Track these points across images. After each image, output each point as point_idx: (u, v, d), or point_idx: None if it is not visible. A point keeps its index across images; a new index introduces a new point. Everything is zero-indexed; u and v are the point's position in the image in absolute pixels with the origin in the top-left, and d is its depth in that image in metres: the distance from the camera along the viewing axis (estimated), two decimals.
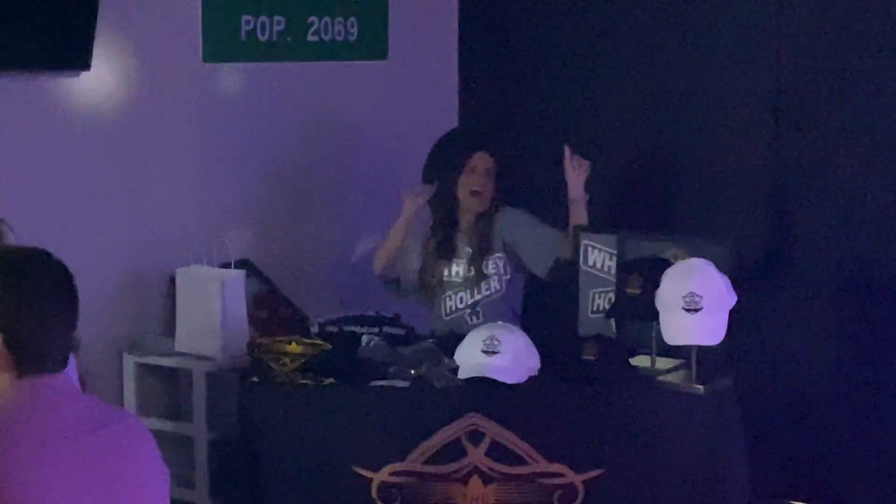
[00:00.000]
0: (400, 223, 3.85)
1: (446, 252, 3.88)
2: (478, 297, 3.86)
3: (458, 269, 3.88)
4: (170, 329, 3.88)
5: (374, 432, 3.21)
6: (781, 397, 4.06)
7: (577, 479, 3.09)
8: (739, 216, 4.22)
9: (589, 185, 3.77)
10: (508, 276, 3.86)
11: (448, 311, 3.89)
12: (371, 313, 3.65)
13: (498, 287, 3.86)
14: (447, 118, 4.84)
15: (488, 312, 3.80)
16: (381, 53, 4.74)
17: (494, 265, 3.85)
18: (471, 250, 3.87)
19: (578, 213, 3.72)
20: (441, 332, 3.81)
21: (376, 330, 3.54)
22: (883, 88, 3.99)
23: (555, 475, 3.10)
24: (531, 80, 4.80)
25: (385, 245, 3.92)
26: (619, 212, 4.08)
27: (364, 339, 3.48)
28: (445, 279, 3.89)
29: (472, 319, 3.81)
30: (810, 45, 4.12)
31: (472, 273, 3.85)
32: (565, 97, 4.66)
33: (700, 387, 3.12)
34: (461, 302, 3.87)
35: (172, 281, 3.87)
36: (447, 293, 3.89)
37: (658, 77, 4.50)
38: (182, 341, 3.77)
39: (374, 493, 3.13)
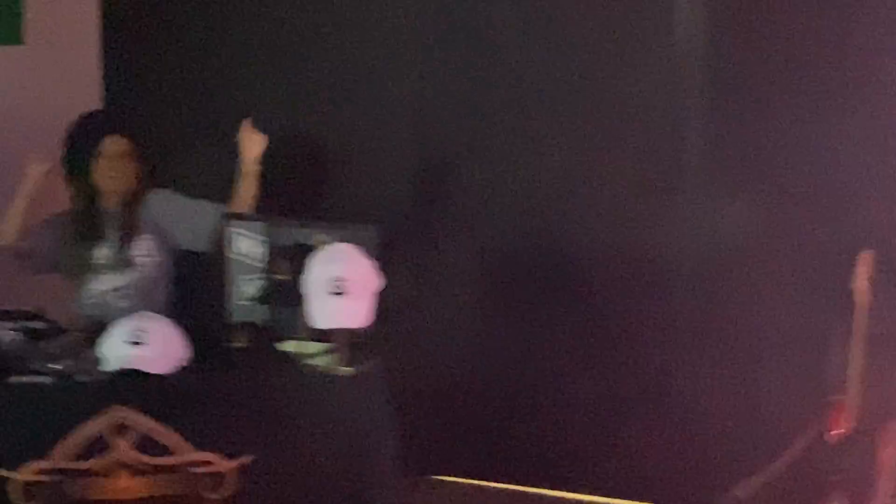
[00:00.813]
0: (23, 191, 3.81)
1: (90, 234, 3.86)
2: (125, 280, 3.85)
3: (104, 252, 3.84)
4: None
5: (14, 431, 3.12)
6: (431, 376, 4.32)
7: (226, 466, 3.13)
8: (387, 201, 4.46)
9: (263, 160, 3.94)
10: (159, 260, 3.89)
11: (93, 294, 3.86)
12: (8, 308, 3.53)
13: (146, 271, 3.88)
14: (90, 103, 4.75)
15: (136, 296, 3.82)
16: (16, 38, 4.58)
17: (143, 248, 3.86)
18: (118, 233, 3.84)
19: (249, 187, 3.89)
20: (87, 317, 3.80)
21: (14, 325, 3.43)
22: (524, 82, 4.33)
23: (203, 464, 3.13)
24: (181, 61, 4.85)
25: (9, 216, 3.84)
26: (267, 198, 4.18)
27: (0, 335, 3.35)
28: (92, 261, 3.85)
29: (118, 303, 3.80)
30: (453, 44, 4.40)
31: (120, 256, 3.83)
32: (216, 78, 4.75)
33: (348, 369, 3.27)
34: (107, 285, 3.84)
35: None
36: (93, 275, 3.85)
37: (306, 62, 4.69)
38: None
39: (16, 493, 3.04)
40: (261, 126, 3.98)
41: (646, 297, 4.20)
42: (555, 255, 4.37)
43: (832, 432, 3.54)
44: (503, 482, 4.40)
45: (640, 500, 4.14)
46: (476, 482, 4.41)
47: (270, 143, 3.98)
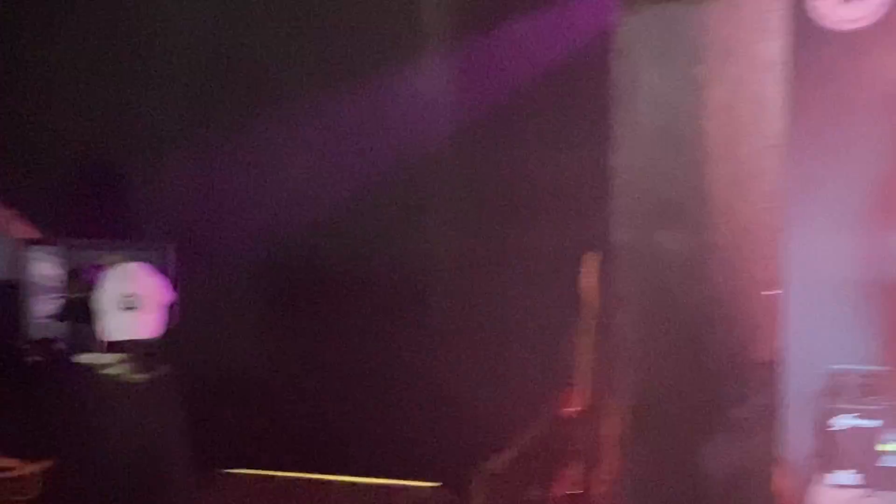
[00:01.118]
0: None
1: None
2: None
3: None
4: None
5: None
6: (223, 379, 4.56)
7: (29, 470, 3.36)
8: (180, 219, 4.67)
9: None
10: None
11: None
12: None
13: None
14: None
15: None
16: None
17: None
18: None
19: None
20: None
21: None
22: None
23: (6, 469, 3.35)
24: None
25: None
26: (65, 219, 4.30)
27: None
28: None
29: None
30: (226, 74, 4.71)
31: None
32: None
33: (140, 376, 3.57)
34: None
35: None
36: None
37: (98, 83, 4.77)
38: None
39: None
40: (56, 150, 4.09)
41: (408, 302, 4.50)
42: (325, 268, 4.68)
43: (567, 410, 3.93)
44: (290, 471, 4.60)
45: (414, 479, 4.39)
46: (265, 472, 4.62)
47: (63, 166, 4.11)
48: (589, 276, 3.82)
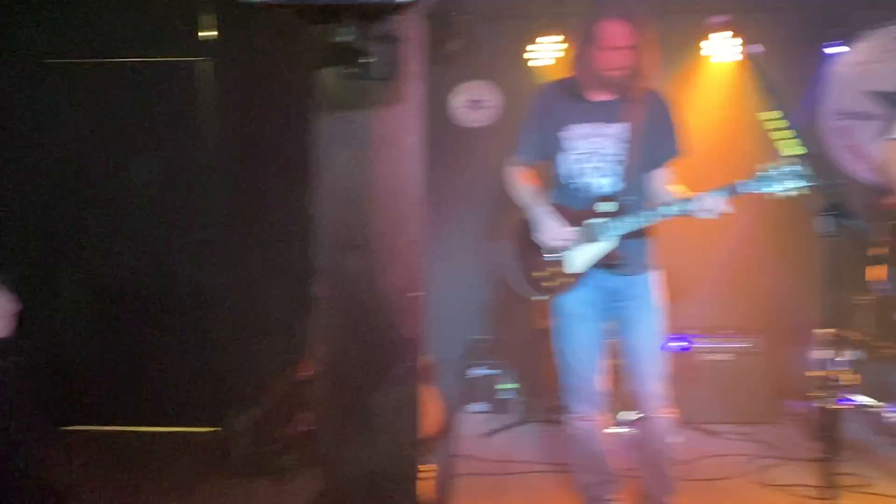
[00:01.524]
0: None
1: None
2: None
3: None
4: None
5: None
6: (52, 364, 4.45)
7: None
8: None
9: None
10: None
11: None
12: None
13: None
14: None
15: None
16: None
17: None
18: None
19: None
20: None
21: None
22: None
23: None
24: None
25: None
26: None
27: None
28: None
29: None
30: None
31: None
32: None
33: None
34: None
35: None
36: None
37: None
38: None
39: None
40: None
41: (189, 298, 4.56)
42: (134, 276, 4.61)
43: (300, 374, 4.11)
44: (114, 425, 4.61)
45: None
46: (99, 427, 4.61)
47: None
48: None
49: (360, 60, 2.28)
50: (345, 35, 2.16)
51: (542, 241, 3.08)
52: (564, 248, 3.06)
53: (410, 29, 2.37)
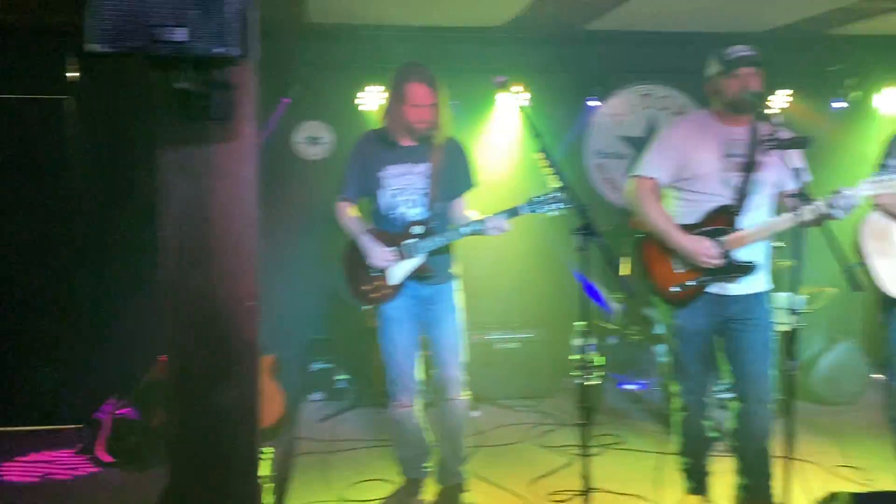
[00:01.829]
0: None
1: None
2: None
3: None
4: None
5: None
6: None
7: None
8: None
9: None
10: None
11: None
12: None
13: None
14: None
15: None
16: None
17: None
18: None
19: None
20: None
21: None
22: None
23: None
24: None
25: None
26: None
27: None
28: None
29: None
30: None
31: None
32: None
33: None
34: None
35: None
36: None
37: None
38: None
39: None
40: None
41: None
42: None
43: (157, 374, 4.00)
44: None
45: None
46: None
47: None
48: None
49: (199, 104, 2.19)
50: (184, 81, 2.08)
51: (368, 261, 3.14)
52: (386, 266, 3.13)
53: (243, 77, 2.31)
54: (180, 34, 1.89)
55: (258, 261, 2.51)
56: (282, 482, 3.51)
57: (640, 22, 4.40)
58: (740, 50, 2.91)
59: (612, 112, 5.24)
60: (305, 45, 4.73)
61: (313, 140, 4.99)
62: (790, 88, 5.05)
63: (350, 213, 3.24)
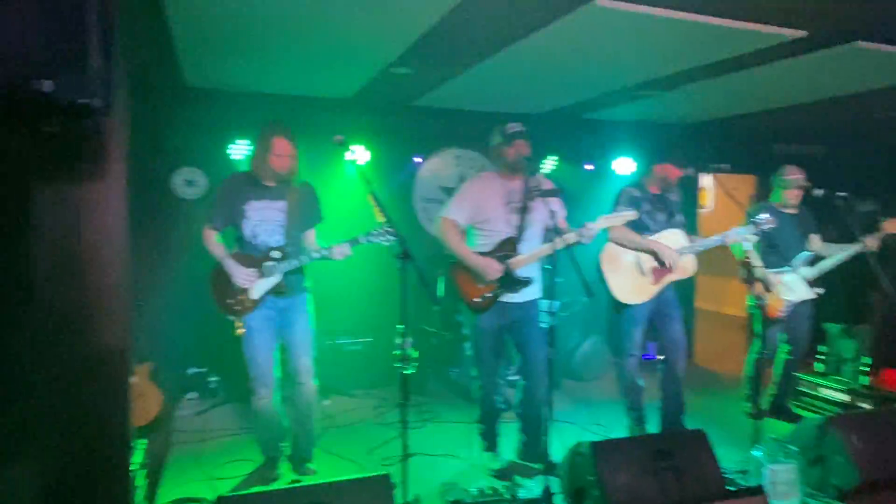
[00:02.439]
0: None
1: None
2: None
3: None
4: None
5: None
6: None
7: None
8: None
9: None
10: None
11: None
12: None
13: None
14: None
15: None
16: None
17: None
18: None
19: None
20: None
21: None
22: None
23: None
24: None
25: None
26: None
27: None
28: None
29: None
30: None
31: None
32: None
33: None
34: None
35: None
36: None
37: None
38: None
39: None
40: None
41: None
42: None
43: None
44: None
45: None
46: None
47: None
48: None
49: (68, 147, 1.96)
50: (54, 126, 1.84)
51: (233, 280, 2.99)
52: (249, 284, 2.99)
53: (111, 125, 2.09)
54: (47, 86, 1.67)
55: (129, 280, 2.28)
56: (157, 468, 3.22)
57: (451, 101, 4.56)
58: (515, 126, 3.10)
59: (433, 168, 5.36)
60: (183, 103, 4.43)
61: (190, 182, 4.65)
62: (555, 154, 5.45)
63: (216, 240, 3.07)
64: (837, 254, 3.61)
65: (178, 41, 3.17)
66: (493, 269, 3.02)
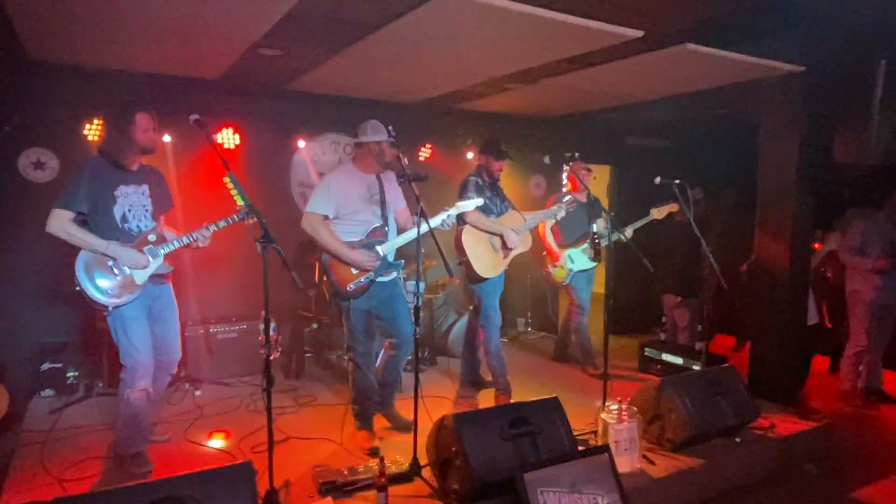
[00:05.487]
0: None
1: None
2: None
3: None
4: None
5: None
6: None
7: None
8: None
9: None
10: None
11: None
12: None
13: None
14: None
15: None
16: None
17: None
18: None
19: None
20: None
21: None
22: None
23: None
24: None
25: None
26: None
27: None
28: None
29: None
30: None
31: None
32: None
33: None
34: None
35: None
36: None
37: None
38: None
39: None
40: None
41: None
42: None
43: None
44: None
45: None
46: None
47: None
48: None
49: None
50: None
51: (121, 264, 2.86)
52: (141, 268, 2.89)
53: None
54: None
55: None
56: (1, 472, 2.96)
57: (328, 87, 4.53)
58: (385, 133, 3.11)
59: (311, 154, 5.32)
60: (27, 78, 4.05)
61: (39, 165, 4.28)
62: (430, 142, 5.61)
63: (80, 227, 2.83)
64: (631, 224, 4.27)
65: (11, 9, 2.89)
66: (370, 261, 3.12)
